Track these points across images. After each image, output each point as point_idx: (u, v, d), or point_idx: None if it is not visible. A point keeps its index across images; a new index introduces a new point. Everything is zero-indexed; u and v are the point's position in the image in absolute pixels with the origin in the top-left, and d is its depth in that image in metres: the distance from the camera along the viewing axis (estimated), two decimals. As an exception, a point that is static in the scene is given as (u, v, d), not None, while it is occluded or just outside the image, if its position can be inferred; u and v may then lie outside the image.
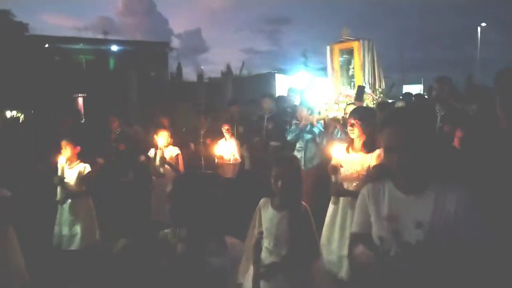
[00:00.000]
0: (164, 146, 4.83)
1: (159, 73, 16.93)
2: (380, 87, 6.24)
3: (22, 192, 3.94)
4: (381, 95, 6.31)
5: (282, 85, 11.69)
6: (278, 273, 2.28)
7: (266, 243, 2.43)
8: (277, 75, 13.87)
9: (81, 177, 4.15)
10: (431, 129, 1.68)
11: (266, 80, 13.88)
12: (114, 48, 16.14)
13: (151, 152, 5.00)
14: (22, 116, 11.74)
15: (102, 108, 6.86)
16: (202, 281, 1.68)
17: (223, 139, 5.74)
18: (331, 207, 3.36)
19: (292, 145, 5.64)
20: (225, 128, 5.69)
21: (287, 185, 2.37)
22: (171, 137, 5.39)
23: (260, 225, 2.50)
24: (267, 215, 2.46)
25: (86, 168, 4.20)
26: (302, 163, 5.46)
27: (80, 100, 14.69)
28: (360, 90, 5.60)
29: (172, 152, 5.03)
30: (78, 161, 4.20)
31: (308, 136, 5.40)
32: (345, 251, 3.11)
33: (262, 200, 2.57)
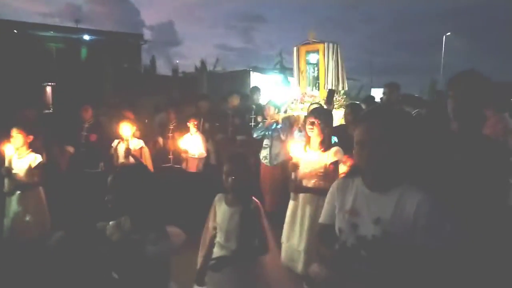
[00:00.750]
0: (129, 138, 4.83)
1: (132, 65, 16.71)
2: (343, 89, 6.50)
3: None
4: (344, 97, 6.58)
5: (256, 82, 11.86)
6: (226, 266, 2.34)
7: (218, 238, 2.51)
8: (252, 73, 14.02)
9: (31, 168, 4.01)
10: (406, 130, 1.59)
11: (241, 77, 13.94)
12: (86, 37, 15.76)
13: (115, 143, 5.04)
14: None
15: (73, 98, 6.72)
16: (137, 268, 1.75)
17: (189, 133, 5.78)
18: (291, 203, 3.48)
19: (258, 141, 5.83)
20: (192, 122, 5.71)
21: (238, 181, 2.43)
22: (137, 130, 5.46)
23: (215, 220, 2.56)
24: (220, 210, 2.52)
25: (36, 158, 4.05)
26: (268, 159, 5.70)
27: (49, 89, 14.38)
28: (330, 94, 5.78)
29: (136, 144, 5.06)
30: (29, 151, 4.06)
31: (274, 134, 5.62)
32: (302, 247, 3.27)
33: (217, 196, 2.62)
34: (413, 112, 4.49)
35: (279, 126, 5.64)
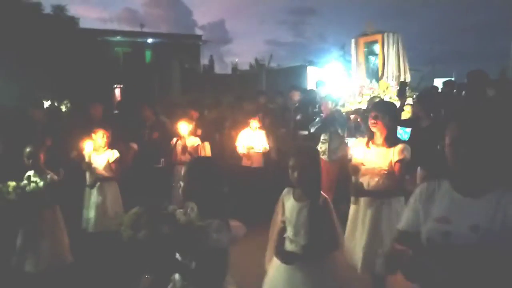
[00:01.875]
0: (186, 136, 4.92)
1: (193, 65, 17.15)
2: (405, 80, 6.11)
3: (60, 177, 4.14)
4: (407, 89, 6.18)
5: (313, 77, 11.58)
6: (296, 261, 2.31)
7: (288, 232, 2.45)
8: (308, 68, 13.73)
9: (109, 163, 4.31)
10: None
11: (298, 72, 13.77)
12: (150, 40, 16.45)
13: (174, 141, 5.16)
14: (66, 105, 12.23)
15: (138, 98, 6.98)
16: (198, 252, 1.85)
17: (247, 128, 5.74)
18: (352, 207, 3.28)
19: (318, 136, 5.66)
20: (255, 119, 5.70)
21: (304, 176, 2.35)
22: (197, 128, 5.53)
23: (283, 214, 2.51)
24: (288, 205, 2.45)
25: (114, 154, 4.35)
26: (327, 154, 5.51)
27: (117, 91, 15.22)
28: (403, 86, 5.49)
29: (193, 141, 5.13)
30: (106, 147, 4.35)
31: (332, 128, 5.42)
32: (361, 247, 3.10)
33: (285, 190, 2.55)
34: None
35: (340, 119, 5.42)
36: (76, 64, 12.05)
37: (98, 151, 4.31)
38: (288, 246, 2.42)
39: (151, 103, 6.42)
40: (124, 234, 1.68)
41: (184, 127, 4.90)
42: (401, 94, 5.29)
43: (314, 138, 5.70)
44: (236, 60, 20.92)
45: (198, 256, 1.87)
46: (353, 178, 3.02)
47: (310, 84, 9.81)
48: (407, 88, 5.65)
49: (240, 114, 6.58)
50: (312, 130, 5.60)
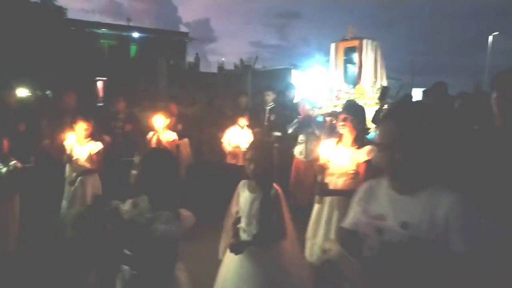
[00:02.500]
0: (161, 130, 4.85)
1: (178, 62, 17.03)
2: (387, 85, 6.19)
3: (30, 164, 4.04)
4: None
5: (297, 80, 11.64)
6: (244, 248, 2.36)
7: (241, 222, 2.54)
8: (293, 71, 13.81)
9: (91, 155, 4.17)
10: (427, 126, 1.47)
11: (283, 75, 13.81)
12: (136, 35, 16.24)
13: (149, 134, 5.05)
14: (47, 95, 11.98)
15: (122, 92, 6.86)
16: (146, 245, 1.84)
17: (235, 126, 5.72)
18: (316, 206, 3.28)
19: (293, 136, 5.69)
20: (243, 117, 5.71)
21: (258, 168, 2.44)
22: (177, 123, 5.46)
23: (237, 205, 2.59)
24: (243, 196, 2.55)
25: (97, 145, 4.21)
26: (304, 155, 5.55)
27: (100, 84, 14.97)
28: (384, 91, 5.54)
29: (169, 136, 5.03)
30: (89, 139, 4.20)
31: (309, 130, 5.45)
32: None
33: (241, 182, 2.63)
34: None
35: (317, 121, 5.47)
36: (61, 53, 11.84)
37: (79, 143, 4.15)
38: (242, 236, 2.50)
39: (132, 96, 6.32)
40: (67, 234, 1.65)
41: (159, 120, 4.82)
42: (382, 98, 5.38)
43: (289, 139, 5.73)
44: (223, 59, 20.89)
45: (146, 247, 1.86)
46: (318, 177, 3.01)
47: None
48: (388, 92, 5.73)
49: (217, 112, 6.55)
50: (290, 130, 5.63)
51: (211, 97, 7.56)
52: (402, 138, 1.43)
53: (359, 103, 3.99)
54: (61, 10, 13.54)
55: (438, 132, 1.50)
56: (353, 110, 3.22)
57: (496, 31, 25.67)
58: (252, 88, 12.83)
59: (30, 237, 3.69)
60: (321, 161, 3.07)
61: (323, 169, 3.02)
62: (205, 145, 6.55)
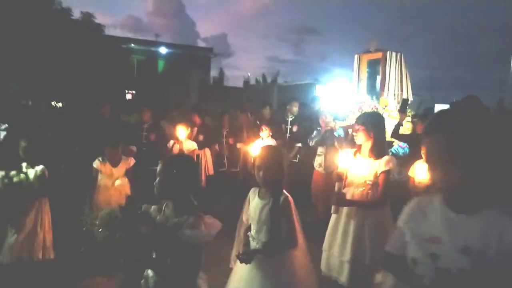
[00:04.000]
0: (183, 140, 4.92)
1: (203, 77, 17.29)
2: (407, 98, 6.03)
3: (60, 171, 4.11)
4: (409, 109, 6.11)
5: (321, 94, 11.63)
6: (253, 257, 2.29)
7: (251, 229, 2.49)
8: (317, 86, 13.86)
9: (128, 169, 4.14)
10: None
11: (307, 89, 13.86)
12: (163, 50, 16.63)
13: (170, 143, 5.16)
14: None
15: (150, 105, 7.01)
16: (172, 249, 1.82)
17: (259, 138, 5.68)
18: (332, 216, 3.16)
19: (314, 148, 5.61)
20: (265, 128, 5.66)
21: (268, 175, 2.38)
22: (199, 133, 5.48)
23: (248, 212, 2.54)
24: (253, 203, 2.49)
25: (131, 161, 4.20)
26: (323, 167, 5.45)
27: (129, 96, 15.35)
28: (404, 103, 5.44)
29: (190, 146, 5.15)
30: (120, 157, 4.17)
31: (329, 142, 5.36)
32: (346, 257, 2.99)
33: (251, 189, 2.58)
34: None
35: (336, 134, 5.37)
36: (98, 68, 12.23)
37: (114, 165, 4.12)
38: (251, 243, 2.44)
39: (161, 109, 6.43)
40: (99, 235, 1.62)
41: (181, 131, 4.90)
42: (402, 110, 5.22)
43: (310, 150, 5.65)
44: (249, 74, 21.07)
45: (172, 252, 1.84)
46: (336, 186, 2.92)
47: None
48: (408, 105, 5.57)
49: (240, 123, 6.56)
50: (311, 143, 5.54)
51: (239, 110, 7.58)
52: (462, 154, 1.18)
53: (380, 114, 3.84)
54: (100, 27, 14.06)
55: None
56: (367, 120, 3.10)
57: None
58: (277, 103, 12.86)
59: (61, 242, 3.70)
60: (339, 170, 3.01)
61: (340, 178, 2.94)
62: (225, 156, 6.56)
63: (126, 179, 4.14)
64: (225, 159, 6.42)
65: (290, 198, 2.41)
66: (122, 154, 4.28)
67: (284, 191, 2.44)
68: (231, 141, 6.40)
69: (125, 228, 1.64)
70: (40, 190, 3.45)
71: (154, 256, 1.88)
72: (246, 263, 2.29)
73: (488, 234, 1.18)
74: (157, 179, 1.99)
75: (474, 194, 1.23)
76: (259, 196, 2.49)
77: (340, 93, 7.19)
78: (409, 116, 5.70)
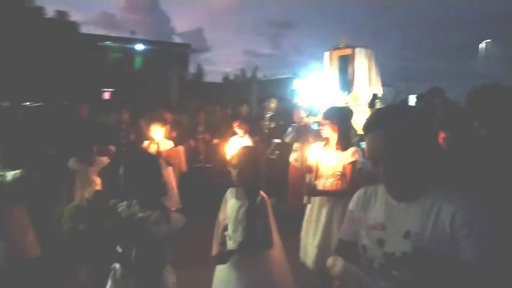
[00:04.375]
0: (159, 140, 4.86)
1: (181, 73, 17.15)
2: (376, 94, 6.23)
3: (36, 174, 4.09)
4: (379, 102, 6.30)
5: (299, 88, 11.71)
6: (229, 258, 2.34)
7: (228, 229, 2.51)
8: (296, 80, 13.93)
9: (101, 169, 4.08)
10: (422, 129, 1.28)
11: (286, 83, 13.94)
12: (140, 47, 16.41)
13: (146, 143, 5.07)
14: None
15: (128, 104, 6.96)
16: (138, 243, 1.92)
17: (236, 136, 5.65)
18: (308, 207, 3.34)
19: (290, 144, 5.73)
20: (236, 124, 5.58)
21: (243, 175, 2.40)
22: (171, 130, 5.50)
23: (225, 212, 2.57)
24: (230, 203, 2.52)
25: (105, 160, 4.18)
26: (299, 162, 5.58)
27: (107, 95, 15.14)
28: (374, 98, 5.63)
29: (166, 145, 5.08)
30: (95, 157, 4.14)
31: (304, 137, 5.49)
32: (316, 243, 3.16)
33: (229, 189, 2.60)
34: None
35: (310, 128, 5.52)
36: (74, 66, 11.98)
37: (90, 165, 4.08)
38: (228, 243, 2.48)
39: (139, 107, 6.40)
40: (64, 226, 1.68)
41: (156, 130, 4.85)
42: (371, 105, 5.42)
43: (286, 146, 5.77)
44: (228, 70, 20.99)
45: (137, 246, 1.94)
46: (307, 177, 3.10)
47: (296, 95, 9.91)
48: (377, 100, 5.77)
49: (214, 120, 6.62)
50: (287, 140, 5.67)
51: (213, 105, 7.63)
52: (395, 149, 1.26)
53: (346, 109, 4.02)
54: (75, 26, 13.75)
55: (433, 135, 1.37)
56: (332, 115, 3.28)
57: (488, 38, 25.67)
58: (258, 97, 12.91)
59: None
60: (309, 162, 3.17)
61: (310, 170, 3.12)
62: (201, 152, 6.61)
63: (99, 178, 4.07)
64: (201, 155, 6.47)
65: (266, 199, 2.44)
66: (98, 154, 4.26)
67: (261, 192, 2.45)
68: (206, 137, 6.44)
69: (88, 221, 1.70)
70: (20, 193, 3.47)
71: (120, 249, 1.96)
72: (221, 264, 2.34)
73: (425, 218, 1.26)
74: (121, 179, 2.08)
75: (412, 183, 1.31)
76: (235, 197, 2.51)
77: (315, 88, 7.34)
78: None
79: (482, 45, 26.03)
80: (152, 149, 4.92)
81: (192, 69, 19.63)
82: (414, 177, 1.29)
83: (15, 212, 3.50)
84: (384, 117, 1.34)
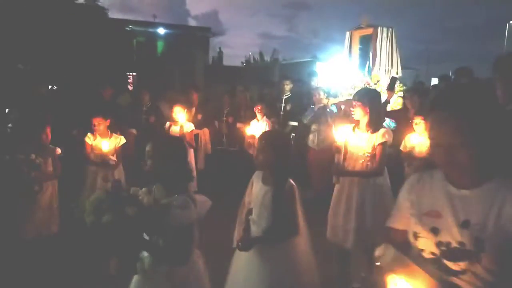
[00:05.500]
0: (181, 122, 4.76)
1: (203, 57, 17.03)
2: (397, 74, 6.00)
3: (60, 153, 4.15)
4: (400, 85, 6.09)
5: (320, 71, 11.45)
6: (252, 246, 2.22)
7: (253, 213, 2.39)
8: (317, 63, 13.63)
9: (116, 148, 4.12)
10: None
11: (307, 66, 13.67)
12: (161, 31, 16.32)
13: (167, 125, 5.01)
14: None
15: (151, 87, 6.92)
16: (164, 230, 1.82)
17: (255, 119, 5.54)
18: (336, 187, 3.32)
19: (308, 126, 5.62)
20: (257, 108, 5.49)
21: (266, 159, 2.26)
22: (197, 112, 5.44)
23: (250, 195, 2.45)
24: (256, 187, 2.39)
25: (121, 140, 4.17)
26: (316, 143, 5.49)
27: (131, 78, 15.25)
28: (393, 81, 5.45)
29: (187, 127, 4.93)
30: (110, 133, 4.13)
31: (322, 118, 5.38)
32: (350, 225, 3.14)
33: (255, 173, 2.46)
34: None
35: (328, 110, 5.39)
36: (102, 51, 12.03)
37: (103, 138, 4.09)
38: (252, 228, 2.36)
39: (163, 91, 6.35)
40: (87, 220, 1.64)
41: (179, 112, 4.75)
42: (391, 88, 5.23)
43: (305, 128, 5.66)
44: (250, 53, 20.70)
45: (164, 233, 1.84)
46: (335, 157, 3.06)
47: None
48: (396, 82, 5.56)
49: (238, 102, 6.54)
50: (305, 121, 5.56)
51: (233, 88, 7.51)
52: (468, 135, 1.13)
53: (376, 90, 3.91)
54: (104, 11, 13.76)
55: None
56: (363, 96, 3.20)
57: None
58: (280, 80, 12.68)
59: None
60: (338, 142, 3.14)
61: (339, 150, 3.09)
62: (224, 135, 6.57)
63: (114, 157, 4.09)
64: (224, 137, 6.43)
65: (295, 186, 2.32)
66: (120, 133, 4.27)
67: (290, 179, 2.32)
68: (230, 120, 6.39)
69: (111, 212, 1.63)
70: (54, 171, 3.65)
71: (147, 237, 1.86)
72: (244, 251, 2.23)
73: (487, 208, 1.17)
74: (148, 161, 2.00)
75: (477, 170, 1.20)
76: (262, 181, 2.37)
77: (336, 70, 7.12)
78: (401, 91, 5.68)
79: (511, 23, 24.63)
80: (174, 131, 4.84)
81: (212, 52, 19.53)
82: (482, 164, 1.18)
83: (51, 187, 3.65)
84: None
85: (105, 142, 4.03)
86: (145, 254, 1.92)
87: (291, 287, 2.25)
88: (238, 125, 6.35)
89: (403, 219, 1.41)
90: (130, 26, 15.86)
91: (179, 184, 1.97)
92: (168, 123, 5.05)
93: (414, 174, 1.46)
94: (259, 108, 5.50)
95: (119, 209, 1.64)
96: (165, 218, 1.79)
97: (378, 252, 1.24)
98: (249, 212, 2.43)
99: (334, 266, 3.38)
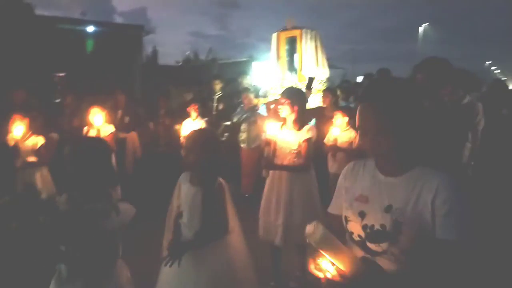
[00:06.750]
0: (99, 126, 4.50)
1: (134, 56, 16.34)
2: (323, 75, 6.22)
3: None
4: (325, 83, 6.31)
5: (257, 71, 11.54)
6: (182, 255, 2.04)
7: (183, 217, 2.26)
8: (253, 62, 13.71)
9: (38, 148, 4.05)
10: (416, 104, 1.26)
11: (244, 66, 13.70)
12: (90, 29, 15.36)
13: (85, 130, 4.66)
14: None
15: (81, 88, 6.43)
16: (83, 239, 1.66)
17: (189, 118, 5.40)
18: (266, 184, 3.34)
19: (238, 125, 5.62)
20: (192, 107, 5.35)
21: (195, 159, 2.18)
22: (124, 115, 5.18)
23: (179, 198, 2.33)
24: (184, 189, 2.28)
25: (38, 141, 4.07)
26: (246, 143, 5.51)
27: (58, 78, 14.11)
28: (310, 81, 5.61)
29: (106, 130, 4.61)
30: (30, 133, 4.05)
31: (252, 118, 5.41)
32: (280, 221, 3.15)
33: (182, 174, 2.35)
34: None
35: (258, 111, 5.43)
36: (27, 49, 11.06)
37: (22, 137, 3.99)
38: (184, 231, 2.24)
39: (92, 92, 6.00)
40: None
41: (96, 115, 4.43)
42: (308, 87, 5.44)
43: (235, 128, 5.66)
44: (188, 52, 20.27)
45: (83, 242, 1.67)
46: (265, 151, 3.10)
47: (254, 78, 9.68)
48: (320, 82, 5.82)
49: (174, 103, 6.34)
50: (235, 119, 5.56)
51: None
52: (388, 122, 1.21)
53: (301, 90, 4.00)
54: (30, 7, 12.63)
55: (423, 110, 1.32)
56: (291, 95, 3.25)
57: (426, 21, 27.05)
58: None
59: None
60: (268, 137, 3.21)
61: (268, 144, 3.15)
62: (161, 137, 6.31)
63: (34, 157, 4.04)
64: (160, 140, 6.19)
65: (224, 184, 2.26)
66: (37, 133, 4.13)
67: (219, 178, 2.26)
68: (167, 121, 6.14)
69: (21, 218, 1.49)
70: None
71: (63, 247, 1.68)
72: (176, 258, 2.00)
73: (409, 193, 1.24)
74: (67, 163, 1.81)
75: (401, 159, 1.29)
76: (190, 182, 2.28)
77: (267, 70, 7.21)
78: (324, 89, 5.89)
79: (421, 28, 27.16)
80: (91, 135, 4.50)
81: (145, 51, 18.72)
82: (405, 151, 1.27)
83: None
84: (378, 89, 1.29)
85: (23, 143, 3.99)
86: (63, 266, 1.74)
87: (227, 285, 2.19)
88: (177, 126, 6.13)
89: (340, 205, 1.47)
90: (59, 24, 14.75)
91: (100, 190, 1.82)
92: (85, 128, 4.67)
93: (350, 162, 1.52)
94: (196, 107, 5.37)
95: (30, 216, 1.50)
96: (82, 227, 1.64)
97: (308, 229, 1.25)
98: (179, 215, 2.30)
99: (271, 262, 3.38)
